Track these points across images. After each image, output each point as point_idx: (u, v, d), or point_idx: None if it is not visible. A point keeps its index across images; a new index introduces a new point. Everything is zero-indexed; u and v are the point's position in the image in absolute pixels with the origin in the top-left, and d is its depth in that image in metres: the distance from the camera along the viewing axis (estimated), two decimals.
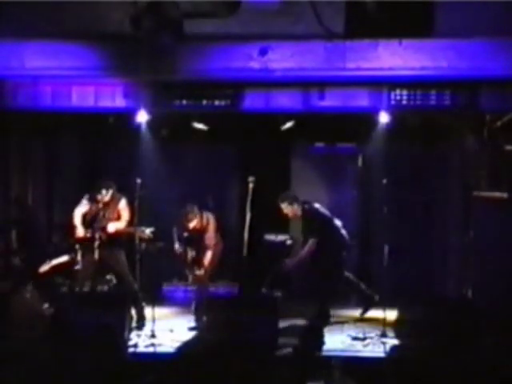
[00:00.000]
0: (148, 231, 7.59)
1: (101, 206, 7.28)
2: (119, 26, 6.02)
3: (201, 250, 7.69)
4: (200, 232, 7.70)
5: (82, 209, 7.36)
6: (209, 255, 7.63)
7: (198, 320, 7.39)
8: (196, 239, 7.75)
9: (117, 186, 7.47)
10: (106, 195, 7.24)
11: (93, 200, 7.32)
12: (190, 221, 7.60)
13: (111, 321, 6.21)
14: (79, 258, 7.34)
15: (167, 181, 9.39)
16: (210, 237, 7.68)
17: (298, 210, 7.75)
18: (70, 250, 7.83)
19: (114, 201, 7.34)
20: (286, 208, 7.76)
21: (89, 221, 7.30)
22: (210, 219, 7.74)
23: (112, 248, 7.29)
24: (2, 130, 8.05)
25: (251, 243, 7.76)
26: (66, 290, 7.84)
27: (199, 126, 8.75)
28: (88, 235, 7.20)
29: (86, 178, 9.20)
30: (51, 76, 7.11)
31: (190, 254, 7.80)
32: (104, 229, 7.23)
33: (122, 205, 7.38)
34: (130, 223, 7.32)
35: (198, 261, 7.72)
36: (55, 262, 8.03)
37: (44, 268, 7.99)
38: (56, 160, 9.33)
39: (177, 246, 7.85)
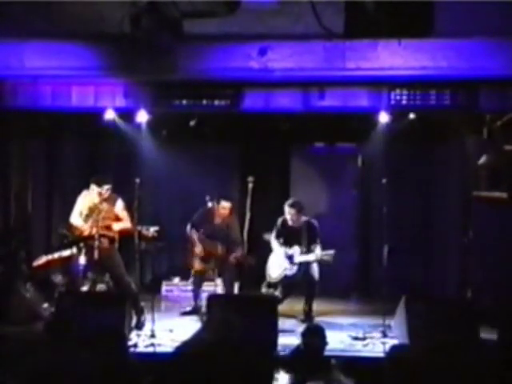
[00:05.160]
0: (152, 230, 7.61)
1: (98, 203, 7.26)
2: (119, 26, 6.01)
3: (229, 243, 8.00)
4: (226, 224, 8.07)
5: (79, 207, 7.38)
6: (239, 251, 7.87)
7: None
8: (222, 234, 8.06)
9: (114, 185, 7.48)
10: (105, 191, 7.25)
11: (91, 196, 7.33)
12: (222, 210, 8.01)
13: (111, 320, 6.22)
14: (83, 255, 7.34)
15: (166, 181, 9.41)
16: (236, 231, 8.00)
17: (301, 219, 7.94)
18: (71, 247, 7.84)
19: (110, 200, 7.35)
20: (294, 214, 7.87)
21: (87, 219, 7.31)
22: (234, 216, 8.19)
23: (109, 249, 7.29)
24: (1, 130, 8.04)
25: (251, 243, 7.78)
26: (65, 289, 7.85)
27: (199, 125, 8.75)
28: (93, 233, 7.21)
29: (86, 177, 9.19)
30: (51, 76, 7.10)
31: (220, 247, 8.01)
32: (101, 228, 7.24)
33: (119, 207, 7.38)
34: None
35: (227, 253, 7.99)
36: (51, 256, 8.03)
37: (38, 262, 7.99)
38: (56, 160, 9.33)
39: (199, 248, 8.07)
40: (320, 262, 7.72)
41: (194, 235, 8.11)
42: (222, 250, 8.01)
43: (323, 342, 5.28)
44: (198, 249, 8.05)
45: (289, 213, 7.92)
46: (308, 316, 7.71)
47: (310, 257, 7.71)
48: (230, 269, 8.11)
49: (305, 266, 7.76)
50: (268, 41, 6.48)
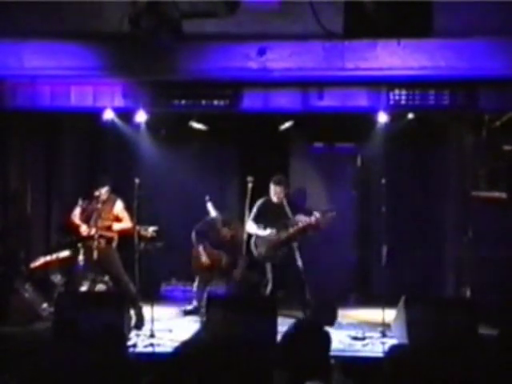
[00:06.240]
0: (151, 230, 7.62)
1: (97, 204, 7.28)
2: (118, 26, 6.01)
3: (234, 255, 8.04)
4: (231, 235, 8.18)
5: (79, 208, 7.39)
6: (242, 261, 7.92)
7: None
8: (228, 245, 8.16)
9: (113, 185, 7.48)
10: (103, 192, 7.26)
11: (89, 198, 7.34)
12: (227, 226, 8.13)
13: (110, 320, 6.21)
14: (81, 256, 7.34)
15: (166, 181, 9.39)
16: (241, 242, 7.93)
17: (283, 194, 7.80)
18: (70, 247, 7.85)
19: (109, 201, 7.36)
20: (281, 192, 7.72)
21: (87, 219, 7.32)
22: (238, 226, 8.16)
23: (107, 249, 7.29)
24: (0, 130, 8.04)
25: (250, 242, 7.78)
26: (64, 289, 7.84)
27: (198, 125, 8.75)
28: (92, 233, 7.21)
29: (85, 177, 9.20)
30: (50, 76, 7.10)
31: (225, 259, 8.10)
32: (100, 229, 7.25)
33: (119, 207, 7.39)
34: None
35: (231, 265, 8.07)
36: (49, 257, 8.03)
37: (36, 263, 7.98)
38: (55, 160, 9.32)
39: (204, 258, 8.17)
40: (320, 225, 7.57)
41: (200, 246, 8.18)
42: (226, 262, 8.06)
43: (327, 344, 5.25)
44: (204, 259, 8.15)
45: (275, 190, 7.70)
46: (306, 308, 7.65)
47: (311, 219, 7.53)
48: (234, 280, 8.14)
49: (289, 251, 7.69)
50: (267, 41, 6.49)
